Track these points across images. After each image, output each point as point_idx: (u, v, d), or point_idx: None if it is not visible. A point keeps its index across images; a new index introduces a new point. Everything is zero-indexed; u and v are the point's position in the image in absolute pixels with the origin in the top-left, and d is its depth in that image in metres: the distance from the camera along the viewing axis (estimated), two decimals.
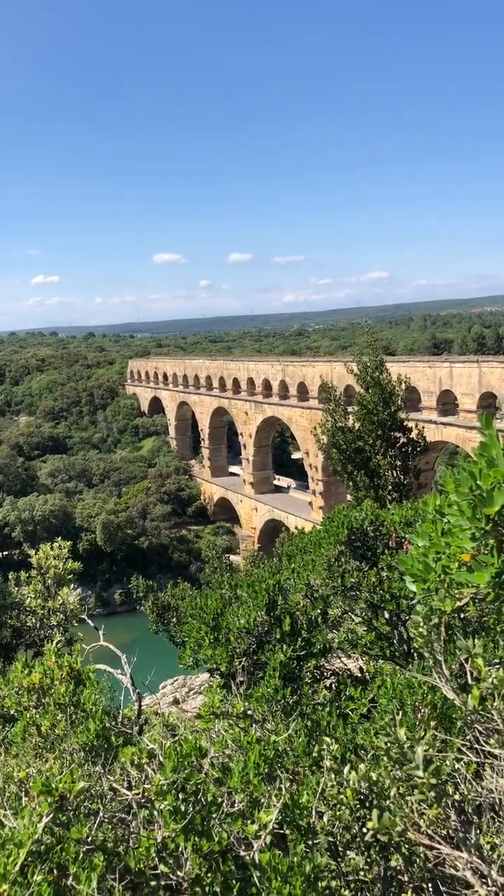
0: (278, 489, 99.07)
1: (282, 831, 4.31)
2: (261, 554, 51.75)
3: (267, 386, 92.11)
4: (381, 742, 4.66)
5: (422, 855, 4.34)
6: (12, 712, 6.64)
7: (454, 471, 3.70)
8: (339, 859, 4.39)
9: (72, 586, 14.22)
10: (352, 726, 5.86)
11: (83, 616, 13.84)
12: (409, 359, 70.57)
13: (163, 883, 3.96)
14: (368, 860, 4.38)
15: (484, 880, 3.98)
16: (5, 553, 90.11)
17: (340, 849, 4.44)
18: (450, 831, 4.24)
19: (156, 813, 4.17)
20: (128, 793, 4.47)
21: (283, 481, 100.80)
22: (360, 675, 9.63)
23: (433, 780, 4.26)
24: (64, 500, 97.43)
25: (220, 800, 4.27)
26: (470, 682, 4.65)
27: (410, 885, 4.34)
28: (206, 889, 3.91)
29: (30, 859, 3.82)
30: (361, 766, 4.65)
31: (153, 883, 3.95)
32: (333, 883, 4.16)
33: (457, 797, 4.36)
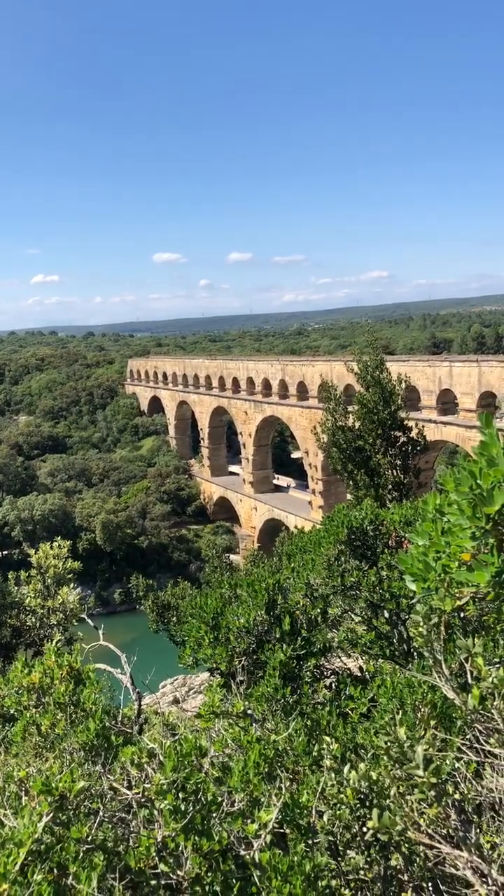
0: (278, 488, 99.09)
1: (282, 830, 4.31)
2: (260, 553, 51.78)
3: (266, 385, 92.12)
4: (381, 741, 4.66)
5: (422, 854, 4.34)
6: (12, 712, 6.64)
7: (454, 470, 3.70)
8: (339, 858, 4.39)
9: (71, 586, 14.22)
10: (352, 725, 5.86)
11: (83, 615, 13.84)
12: (409, 358, 70.56)
13: (163, 882, 3.96)
14: (368, 859, 4.38)
15: (484, 879, 3.98)
16: (5, 552, 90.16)
17: (340, 848, 4.44)
18: (450, 830, 4.24)
19: (156, 812, 4.17)
20: (128, 792, 4.47)
21: (282, 481, 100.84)
22: (359, 674, 9.64)
23: (433, 780, 4.26)
24: (63, 500, 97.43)
25: (220, 799, 4.27)
26: (470, 681, 4.65)
27: (410, 885, 4.34)
28: (207, 888, 3.91)
29: (30, 859, 3.82)
30: (361, 766, 4.66)
31: (153, 882, 3.95)
32: (333, 882, 4.16)
33: (457, 796, 4.36)
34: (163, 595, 30.55)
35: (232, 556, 79.16)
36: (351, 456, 29.26)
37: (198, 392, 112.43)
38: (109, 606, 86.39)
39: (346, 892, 4.24)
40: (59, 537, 15.33)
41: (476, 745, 4.41)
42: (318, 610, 9.04)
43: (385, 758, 4.57)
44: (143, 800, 4.33)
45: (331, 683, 8.71)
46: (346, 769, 4.68)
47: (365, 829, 4.39)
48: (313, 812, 4.47)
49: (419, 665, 5.88)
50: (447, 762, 4.40)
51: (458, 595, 3.81)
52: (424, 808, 4.27)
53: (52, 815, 4.11)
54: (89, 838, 4.01)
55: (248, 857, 4.03)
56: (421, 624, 4.89)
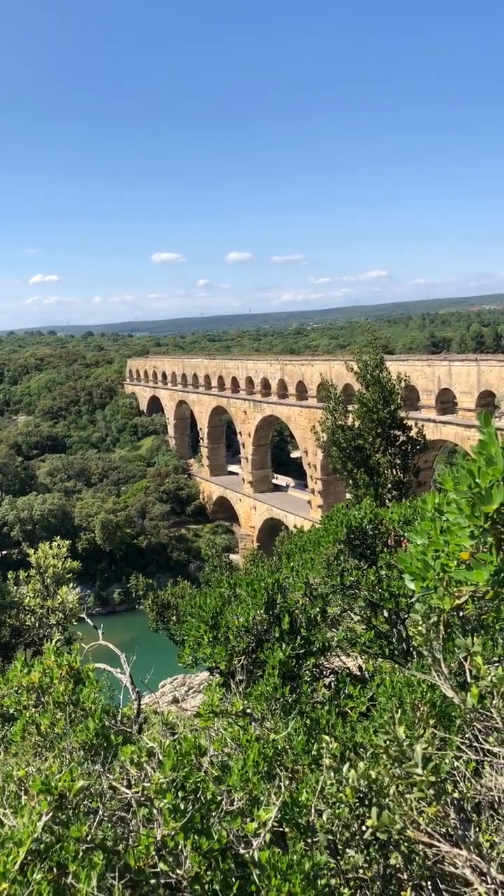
0: (277, 488, 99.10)
1: (281, 829, 4.32)
2: (260, 553, 51.77)
3: (265, 385, 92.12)
4: (380, 740, 4.67)
5: (421, 853, 4.34)
6: (12, 711, 6.64)
7: (453, 469, 3.70)
8: (338, 857, 4.39)
9: (71, 585, 14.23)
10: (351, 724, 5.86)
11: (82, 615, 13.85)
12: (408, 357, 70.57)
13: (162, 881, 3.96)
14: (368, 858, 4.38)
15: (483, 878, 3.98)
16: (4, 552, 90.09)
17: (340, 847, 4.44)
18: (449, 829, 4.25)
19: (155, 811, 4.17)
20: (127, 791, 4.47)
21: (281, 480, 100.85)
22: (359, 673, 9.64)
23: (432, 778, 4.26)
24: (63, 500, 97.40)
25: (219, 798, 4.27)
26: (469, 680, 4.65)
27: (410, 883, 4.35)
28: (206, 887, 3.91)
29: (29, 858, 3.82)
30: (360, 765, 4.66)
31: (153, 881, 3.95)
32: (333, 881, 4.16)
33: (456, 795, 4.37)
34: (162, 594, 30.57)
35: (231, 556, 79.19)
36: (350, 455, 29.28)
37: (197, 392, 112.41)
38: (109, 606, 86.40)
39: (346, 890, 4.24)
40: (59, 537, 15.34)
41: (475, 743, 4.41)
42: (318, 609, 9.04)
43: (384, 756, 4.57)
44: (142, 799, 4.33)
45: (330, 682, 8.71)
46: (345, 768, 4.69)
47: (364, 828, 4.39)
48: (312, 811, 4.47)
49: (418, 664, 5.89)
50: (446, 761, 4.40)
51: (456, 594, 3.81)
52: (423, 806, 4.28)
53: (51, 814, 4.11)
54: (89, 837, 4.01)
55: (247, 855, 4.03)
56: (420, 623, 4.89)
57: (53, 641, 7.53)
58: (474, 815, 4.36)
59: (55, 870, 3.86)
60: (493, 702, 4.42)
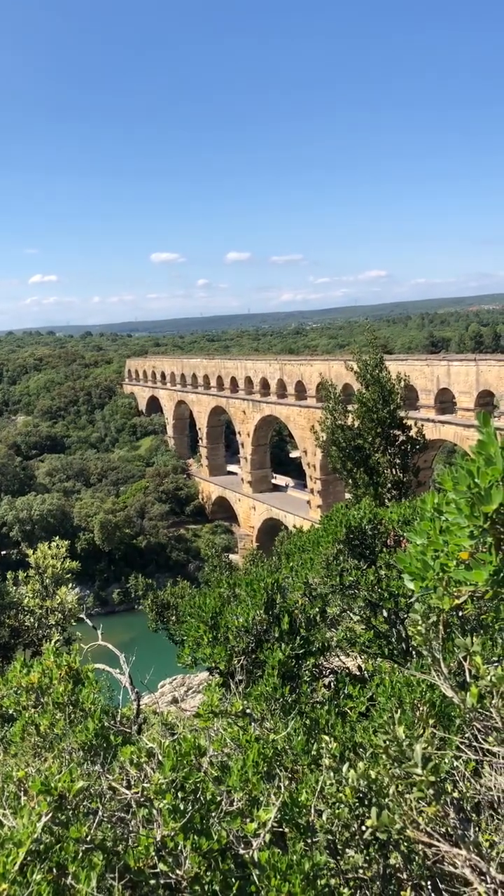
0: (276, 488, 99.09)
1: (281, 829, 4.32)
2: (259, 552, 51.77)
3: (265, 385, 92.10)
4: (379, 740, 4.66)
5: (421, 852, 4.34)
6: (11, 712, 6.64)
7: (452, 469, 3.70)
8: (338, 857, 4.39)
9: (70, 586, 14.22)
10: (350, 724, 5.86)
11: (81, 615, 13.85)
12: (407, 357, 70.57)
13: (162, 882, 3.96)
14: (367, 858, 4.38)
15: (483, 878, 3.98)
16: (3, 553, 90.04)
17: (339, 847, 4.44)
18: (449, 829, 4.25)
19: (155, 812, 4.17)
20: (127, 792, 4.47)
21: (281, 480, 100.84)
22: (358, 673, 9.64)
23: (432, 778, 4.26)
24: (62, 500, 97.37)
25: (219, 798, 4.27)
26: (468, 679, 4.65)
27: (409, 883, 4.35)
28: (206, 887, 3.91)
29: (29, 858, 3.82)
30: (360, 765, 4.66)
31: (152, 882, 3.95)
32: (332, 881, 4.16)
33: (455, 795, 4.37)
34: (162, 594, 30.58)
35: (231, 556, 79.17)
36: (350, 454, 29.28)
37: (196, 392, 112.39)
38: (108, 606, 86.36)
39: (345, 890, 4.24)
40: (58, 537, 15.35)
41: (475, 743, 4.41)
42: (317, 609, 9.04)
43: (384, 756, 4.57)
44: (142, 799, 4.33)
45: (329, 682, 8.71)
46: (344, 768, 4.69)
47: (364, 828, 4.39)
48: (312, 811, 4.47)
49: (418, 664, 5.89)
50: (446, 761, 4.40)
51: (456, 594, 3.81)
52: (423, 806, 4.28)
53: (51, 814, 4.11)
54: (88, 838, 4.01)
55: (247, 856, 4.03)
56: (419, 623, 4.90)
57: (53, 642, 7.53)
58: (474, 815, 4.36)
59: (55, 870, 3.86)
60: (493, 701, 4.42)
